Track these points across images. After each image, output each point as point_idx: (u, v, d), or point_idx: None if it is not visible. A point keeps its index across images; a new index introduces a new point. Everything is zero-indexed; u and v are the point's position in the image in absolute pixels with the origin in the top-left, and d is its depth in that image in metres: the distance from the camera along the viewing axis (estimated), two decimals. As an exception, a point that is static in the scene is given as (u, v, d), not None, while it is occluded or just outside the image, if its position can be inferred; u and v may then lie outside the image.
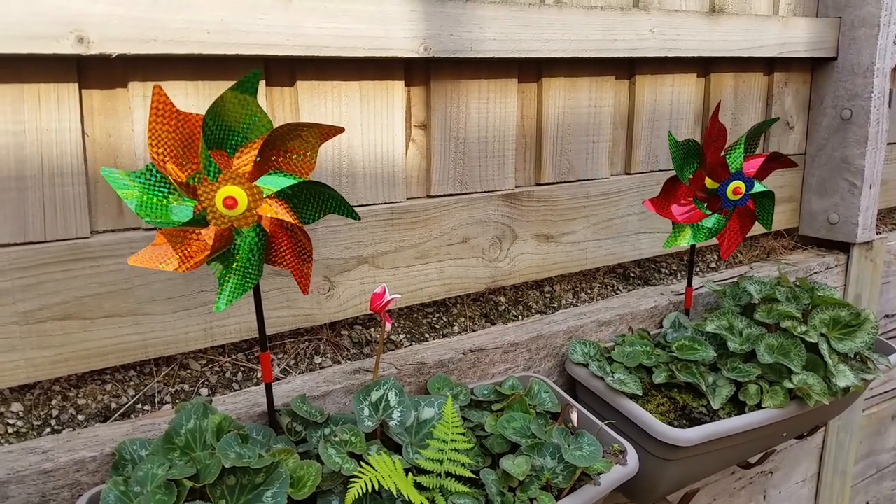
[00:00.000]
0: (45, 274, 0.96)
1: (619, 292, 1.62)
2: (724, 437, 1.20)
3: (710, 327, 1.35)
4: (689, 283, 1.45)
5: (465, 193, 1.33)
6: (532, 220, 1.42)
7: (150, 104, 0.80)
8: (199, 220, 0.84)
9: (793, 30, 1.70)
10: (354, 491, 0.83)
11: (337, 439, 0.94)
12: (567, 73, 1.42)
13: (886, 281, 2.03)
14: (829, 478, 2.04)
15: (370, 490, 0.84)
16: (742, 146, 1.28)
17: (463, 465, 0.95)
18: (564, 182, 1.46)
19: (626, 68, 1.53)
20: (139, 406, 1.06)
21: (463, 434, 0.97)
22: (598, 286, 1.61)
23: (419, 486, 0.92)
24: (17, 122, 0.93)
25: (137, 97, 1.00)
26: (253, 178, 0.85)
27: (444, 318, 1.38)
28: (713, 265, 1.82)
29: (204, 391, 1.12)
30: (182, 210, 0.84)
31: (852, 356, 1.37)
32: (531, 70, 1.39)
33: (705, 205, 1.31)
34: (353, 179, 1.20)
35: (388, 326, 1.06)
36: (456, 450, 0.95)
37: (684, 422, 1.22)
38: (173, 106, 0.81)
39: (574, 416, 1.12)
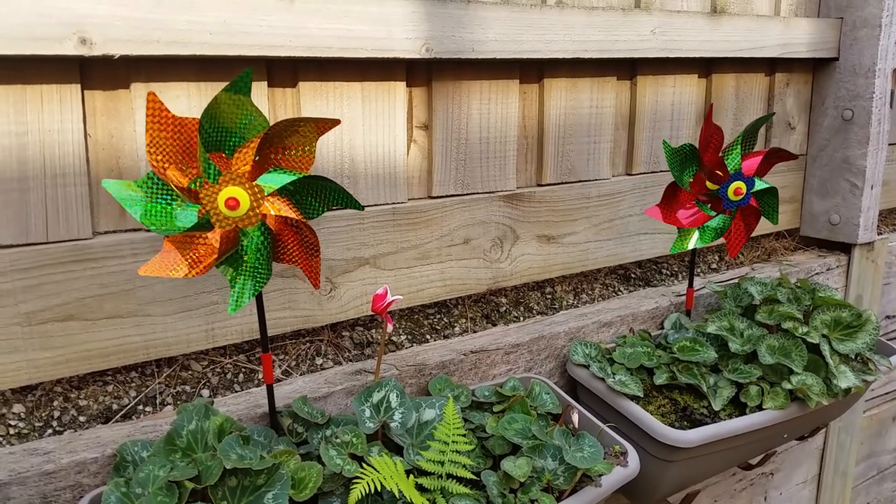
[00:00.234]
0: (46, 275, 0.96)
1: (620, 293, 1.62)
2: (725, 438, 1.20)
3: (711, 328, 1.35)
4: (691, 284, 1.45)
5: (467, 194, 1.33)
6: (533, 220, 1.42)
7: (146, 111, 0.80)
8: (204, 224, 0.84)
9: (794, 30, 1.70)
10: (356, 492, 0.83)
11: (338, 440, 0.94)
12: (568, 74, 1.42)
13: (888, 282, 2.03)
14: (829, 479, 2.04)
15: (372, 491, 0.84)
16: (739, 146, 1.28)
17: (464, 466, 0.95)
18: (566, 183, 1.46)
19: (628, 69, 1.53)
20: (140, 407, 1.06)
21: (464, 435, 0.97)
22: (600, 287, 1.61)
23: (420, 488, 0.92)
24: (19, 123, 0.93)
25: (140, 98, 1.00)
26: (253, 177, 0.85)
27: (445, 320, 1.38)
28: (714, 266, 1.82)
29: (205, 392, 1.12)
30: (186, 215, 0.84)
31: (853, 357, 1.37)
32: (533, 71, 1.39)
33: (709, 206, 1.31)
34: (354, 180, 1.20)
35: (389, 327, 1.06)
36: (457, 451, 0.95)
37: (685, 423, 1.22)
38: (168, 111, 0.81)
39: (575, 418, 1.12)
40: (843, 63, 1.80)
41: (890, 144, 2.05)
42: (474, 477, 0.97)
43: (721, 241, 1.34)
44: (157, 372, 1.10)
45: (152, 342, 1.05)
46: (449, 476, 0.94)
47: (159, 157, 0.82)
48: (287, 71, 1.12)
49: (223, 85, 1.05)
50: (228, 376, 1.15)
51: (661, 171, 1.61)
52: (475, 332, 1.38)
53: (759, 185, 1.30)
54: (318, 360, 1.23)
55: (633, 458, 1.09)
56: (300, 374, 1.19)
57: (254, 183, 0.84)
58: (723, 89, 1.70)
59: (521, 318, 1.45)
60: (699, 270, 1.78)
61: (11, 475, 0.87)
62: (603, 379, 1.25)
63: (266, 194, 0.85)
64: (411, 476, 0.92)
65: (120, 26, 0.92)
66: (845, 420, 1.99)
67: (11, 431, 0.98)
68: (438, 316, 1.38)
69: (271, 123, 0.84)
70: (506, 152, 1.37)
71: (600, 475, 1.03)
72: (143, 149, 1.01)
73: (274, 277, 1.13)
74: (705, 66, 1.66)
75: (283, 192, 0.88)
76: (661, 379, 1.26)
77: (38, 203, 0.95)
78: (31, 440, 0.98)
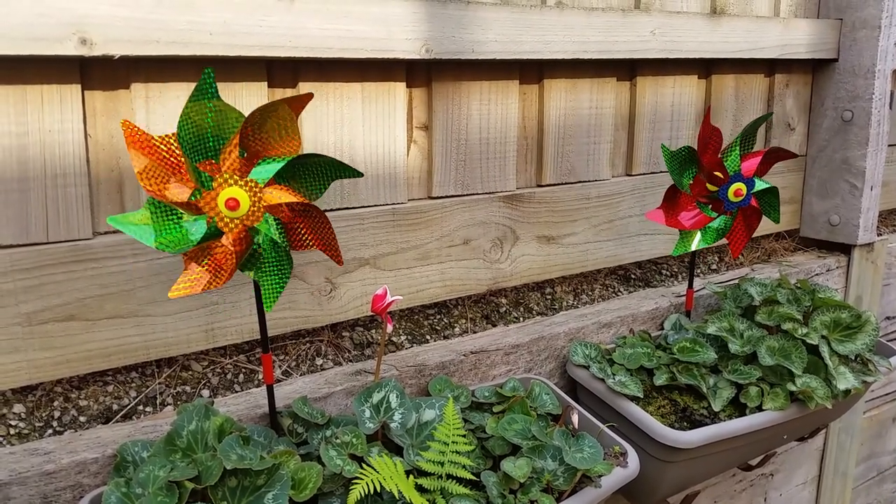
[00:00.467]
0: (47, 275, 0.96)
1: (619, 294, 1.62)
2: (725, 439, 1.20)
3: (710, 329, 1.35)
4: (690, 285, 1.45)
5: (467, 195, 1.33)
6: (533, 221, 1.42)
7: (125, 139, 0.80)
8: (215, 233, 0.85)
9: (794, 31, 1.70)
10: (356, 493, 0.83)
11: (338, 441, 0.94)
12: (568, 75, 1.43)
13: (887, 283, 2.03)
14: (829, 480, 2.04)
15: (371, 492, 0.84)
16: (738, 147, 1.28)
17: (464, 466, 0.95)
18: (565, 183, 1.47)
19: (628, 70, 1.54)
20: (141, 407, 1.06)
21: (464, 436, 0.97)
22: (599, 288, 1.61)
23: (420, 488, 0.92)
24: (19, 124, 0.93)
25: (140, 98, 1.00)
26: (244, 173, 0.85)
27: (445, 320, 1.38)
28: (714, 267, 1.82)
29: (205, 393, 1.12)
30: (197, 228, 0.84)
31: (853, 358, 1.37)
32: (532, 71, 1.39)
33: (709, 207, 1.31)
34: (354, 181, 1.20)
35: (389, 328, 1.06)
36: (457, 452, 0.95)
37: (685, 424, 1.23)
38: (145, 134, 0.81)
39: (575, 418, 1.12)
40: (843, 64, 1.80)
41: (889, 145, 2.05)
42: (474, 477, 0.97)
43: (721, 241, 1.34)
44: (157, 372, 1.10)
45: (152, 342, 1.05)
46: (449, 476, 0.94)
47: (152, 181, 0.82)
48: (287, 71, 1.12)
49: (223, 85, 1.05)
50: (228, 376, 1.15)
51: (661, 172, 1.62)
52: (475, 332, 1.38)
53: (760, 185, 1.31)
54: (319, 361, 1.23)
55: (633, 458, 1.09)
56: (300, 375, 1.19)
57: (247, 179, 0.84)
58: (722, 90, 1.70)
59: (521, 319, 1.46)
60: (699, 271, 1.78)
61: (12, 475, 0.87)
62: (603, 380, 1.25)
63: (262, 186, 0.85)
64: (411, 476, 0.92)
65: (120, 26, 0.92)
66: (845, 421, 1.99)
67: (12, 431, 0.98)
68: (438, 316, 1.38)
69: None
70: (506, 153, 1.37)
71: (600, 476, 1.03)
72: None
73: (274, 278, 1.13)
74: (705, 67, 1.66)
75: (279, 180, 0.88)
76: (660, 380, 1.26)
77: (39, 203, 0.95)
78: (32, 440, 0.98)
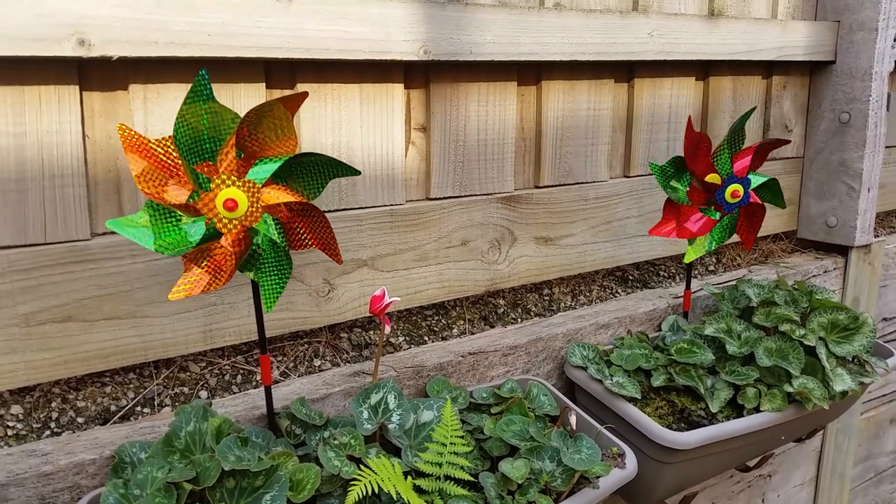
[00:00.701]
0: (45, 276, 0.96)
1: (617, 295, 1.62)
2: (723, 440, 1.20)
3: (708, 330, 1.35)
4: (688, 286, 1.46)
5: (465, 196, 1.33)
6: (531, 222, 1.42)
7: (122, 143, 0.80)
8: (214, 234, 0.85)
9: (791, 33, 1.70)
10: (354, 494, 0.83)
11: (336, 442, 0.94)
12: (566, 77, 1.43)
13: (885, 284, 2.04)
14: (827, 481, 2.04)
15: (369, 493, 0.84)
16: (726, 148, 1.28)
17: (462, 468, 0.95)
18: (563, 185, 1.47)
19: (625, 71, 1.54)
20: (139, 408, 1.06)
21: (462, 437, 0.97)
22: (597, 289, 1.61)
23: (418, 490, 0.92)
24: (17, 124, 0.93)
25: (138, 99, 1.00)
26: (242, 174, 0.85)
27: (443, 321, 1.38)
28: (711, 268, 1.82)
29: (203, 394, 1.12)
30: (196, 229, 0.84)
31: (850, 359, 1.37)
32: (530, 73, 1.39)
33: (712, 209, 1.31)
34: (352, 182, 1.20)
35: (387, 329, 1.06)
36: (455, 453, 0.95)
37: (683, 425, 1.23)
38: (141, 136, 0.81)
39: (573, 419, 1.12)
40: (840, 66, 1.81)
41: (886, 147, 2.06)
42: (472, 478, 0.97)
43: (759, 224, 1.34)
44: (155, 373, 1.10)
45: (150, 343, 1.05)
46: (447, 478, 0.94)
47: (150, 184, 0.82)
48: (285, 73, 1.12)
49: (221, 86, 1.06)
50: (227, 378, 1.15)
51: (659, 174, 1.62)
52: (473, 333, 1.38)
53: (757, 180, 1.31)
54: (317, 362, 1.23)
55: (631, 459, 1.09)
56: (298, 376, 1.19)
57: (245, 179, 0.84)
58: (720, 92, 1.70)
59: (519, 320, 1.46)
60: (696, 272, 1.78)
61: (9, 476, 0.87)
62: (600, 381, 1.25)
63: (260, 186, 0.85)
64: (409, 478, 0.92)
65: (119, 27, 0.92)
66: (843, 422, 1.99)
67: (9, 433, 0.98)
68: (436, 317, 1.38)
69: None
70: (504, 154, 1.37)
71: (598, 477, 1.03)
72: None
73: (272, 279, 1.13)
74: (703, 69, 1.67)
75: (277, 179, 0.88)
76: (658, 381, 1.26)
77: (37, 204, 0.95)
78: (29, 441, 0.97)
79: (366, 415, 1.00)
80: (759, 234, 1.89)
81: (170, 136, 0.82)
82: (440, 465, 0.95)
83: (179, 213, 0.84)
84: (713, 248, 1.32)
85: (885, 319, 2.10)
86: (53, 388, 1.03)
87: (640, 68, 1.54)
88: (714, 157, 1.29)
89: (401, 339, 1.32)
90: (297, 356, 1.22)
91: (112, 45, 0.92)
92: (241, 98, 1.08)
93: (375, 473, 0.86)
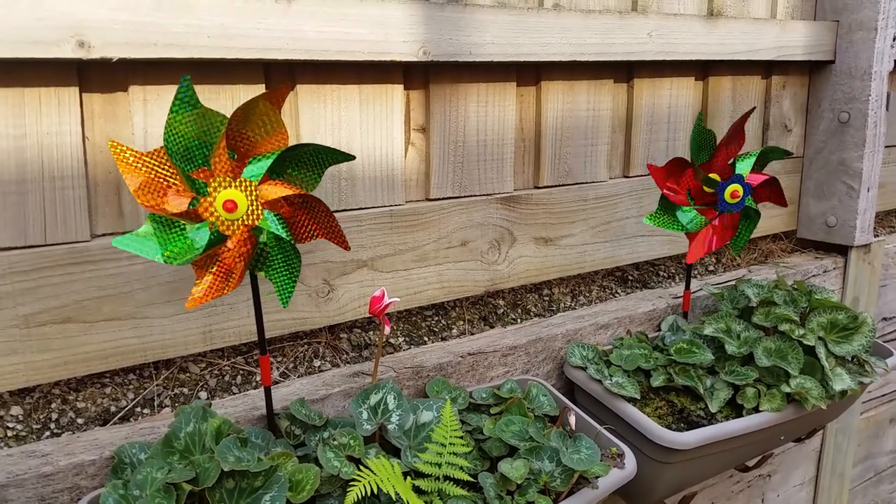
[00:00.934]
0: (44, 277, 0.96)
1: (617, 295, 1.63)
2: (722, 440, 1.20)
3: (707, 330, 1.35)
4: (687, 287, 1.46)
5: (464, 196, 1.34)
6: (530, 223, 1.42)
7: (115, 160, 0.81)
8: (220, 237, 0.85)
9: (790, 33, 1.70)
10: (353, 494, 0.83)
11: (335, 443, 0.94)
12: (565, 77, 1.43)
13: (884, 284, 2.04)
14: (827, 481, 2.04)
15: (369, 494, 0.84)
16: (754, 158, 1.30)
17: (461, 468, 0.95)
18: (563, 185, 1.47)
19: (625, 72, 1.54)
20: (138, 409, 1.07)
21: (461, 437, 0.98)
22: (597, 289, 1.61)
23: (418, 490, 0.93)
24: (17, 126, 0.93)
25: (137, 101, 1.01)
26: (237, 174, 0.85)
27: (442, 322, 1.38)
28: (711, 268, 1.82)
29: (203, 394, 1.12)
30: (201, 235, 0.85)
31: (850, 359, 1.37)
32: (530, 73, 1.39)
33: (693, 199, 1.31)
34: (352, 182, 1.20)
35: (386, 330, 1.06)
36: (454, 453, 0.96)
37: (682, 425, 1.23)
38: (133, 151, 0.82)
39: (572, 420, 1.12)
40: (840, 66, 1.81)
41: (886, 147, 2.06)
42: (471, 479, 0.97)
43: (716, 245, 1.33)
44: (154, 374, 1.10)
45: (150, 344, 1.05)
46: (446, 478, 0.94)
47: (150, 197, 0.82)
48: (284, 74, 1.12)
49: (220, 87, 1.06)
50: (226, 378, 1.15)
51: (658, 174, 1.62)
52: (473, 334, 1.38)
53: (750, 202, 1.31)
54: (316, 363, 1.23)
55: (630, 459, 1.09)
56: (298, 377, 1.19)
57: (241, 179, 0.84)
58: (719, 92, 1.71)
59: (519, 320, 1.46)
60: (696, 272, 1.78)
61: (9, 477, 0.87)
62: (600, 381, 1.26)
63: (257, 184, 0.85)
64: (408, 478, 0.92)
65: (118, 29, 0.92)
66: (842, 422, 1.99)
67: (9, 433, 0.98)
68: (436, 318, 1.38)
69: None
70: (503, 155, 1.37)
71: (597, 477, 1.03)
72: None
73: (272, 280, 1.14)
74: (702, 69, 1.67)
75: (273, 175, 0.88)
76: (657, 381, 1.26)
77: (37, 206, 0.96)
78: (29, 442, 0.98)
79: (365, 415, 1.00)
80: (759, 235, 1.90)
81: (161, 148, 0.83)
82: (439, 465, 0.95)
83: (182, 221, 0.84)
84: (663, 227, 1.32)
85: (884, 319, 2.10)
86: (53, 389, 1.03)
87: (639, 68, 1.54)
88: (738, 157, 1.31)
89: (400, 339, 1.32)
90: (297, 357, 1.22)
91: (112, 47, 0.92)
92: (241, 99, 1.08)
93: (375, 474, 0.86)
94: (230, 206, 0.84)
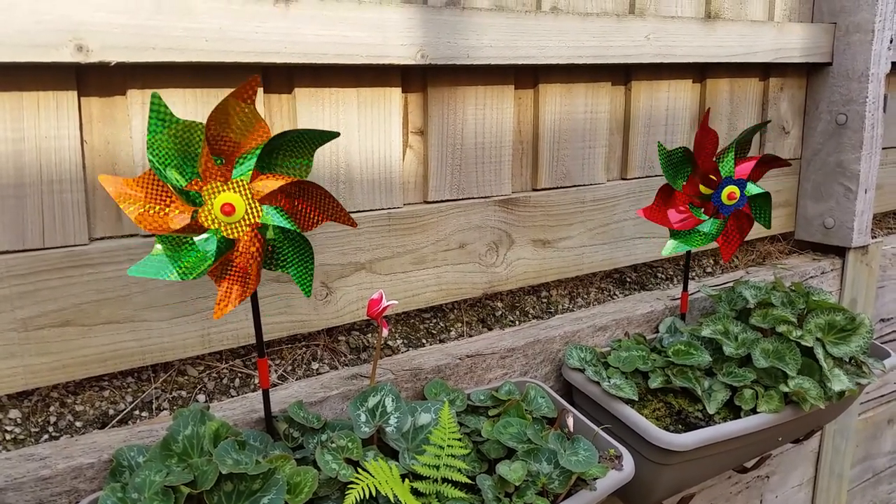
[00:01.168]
0: (43, 281, 0.96)
1: (615, 297, 1.63)
2: (720, 441, 1.21)
3: (705, 332, 1.35)
4: (685, 288, 1.46)
5: (462, 199, 1.34)
6: (529, 225, 1.42)
7: (110, 194, 0.82)
8: (228, 243, 0.86)
9: (788, 35, 1.71)
10: (351, 497, 0.83)
11: (334, 445, 0.94)
12: (563, 80, 1.43)
13: (882, 285, 2.04)
14: (825, 482, 2.05)
15: (367, 496, 0.84)
16: (733, 151, 1.29)
17: (459, 470, 0.95)
18: (561, 187, 1.47)
19: (622, 74, 1.54)
20: (137, 412, 1.07)
21: (459, 439, 0.98)
22: (595, 291, 1.61)
23: (416, 492, 0.93)
24: (15, 130, 0.93)
25: (136, 105, 1.01)
26: (228, 177, 0.85)
27: (441, 324, 1.38)
28: (709, 270, 1.83)
29: (201, 397, 1.12)
30: (209, 243, 0.86)
31: (847, 360, 1.37)
32: (527, 76, 1.39)
33: (702, 210, 1.31)
34: (350, 185, 1.21)
35: (385, 332, 1.06)
36: (452, 455, 0.96)
37: (680, 426, 1.23)
38: (124, 180, 0.83)
39: (570, 422, 1.13)
40: (837, 68, 1.81)
41: (883, 148, 2.06)
42: (469, 481, 0.98)
43: (715, 244, 1.35)
44: (153, 377, 1.10)
45: (148, 347, 1.05)
46: (444, 480, 0.95)
47: (152, 220, 0.83)
48: (283, 77, 1.12)
49: (219, 91, 1.06)
50: (224, 381, 1.15)
51: (656, 176, 1.62)
52: (471, 336, 1.38)
53: (753, 189, 1.31)
54: (314, 365, 1.23)
55: (628, 461, 1.09)
56: (296, 379, 1.19)
57: (232, 180, 0.85)
58: (717, 94, 1.71)
59: (517, 323, 1.46)
60: (694, 274, 1.79)
61: (7, 481, 0.87)
62: (598, 383, 1.26)
63: (249, 182, 0.85)
64: (407, 480, 0.92)
65: (117, 33, 0.92)
66: (840, 423, 2.00)
67: (8, 437, 0.98)
68: (434, 320, 1.38)
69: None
70: (501, 157, 1.37)
71: (595, 479, 1.03)
72: (140, 155, 1.02)
73: (270, 283, 1.14)
74: (700, 72, 1.67)
75: (263, 170, 0.88)
76: (655, 383, 1.26)
77: (35, 209, 0.96)
78: (28, 445, 0.98)
79: (363, 418, 1.01)
80: (757, 236, 1.90)
81: (149, 170, 0.83)
82: (438, 467, 0.95)
83: (189, 235, 0.85)
84: (685, 250, 1.32)
85: (882, 320, 2.10)
86: (52, 393, 1.03)
87: (637, 71, 1.55)
88: (719, 157, 1.29)
89: (398, 341, 1.32)
90: (295, 359, 1.22)
91: (110, 50, 0.92)
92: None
93: (373, 476, 0.86)
94: (228, 209, 0.84)
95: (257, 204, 0.85)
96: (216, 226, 0.84)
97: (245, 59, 1.02)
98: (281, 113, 1.13)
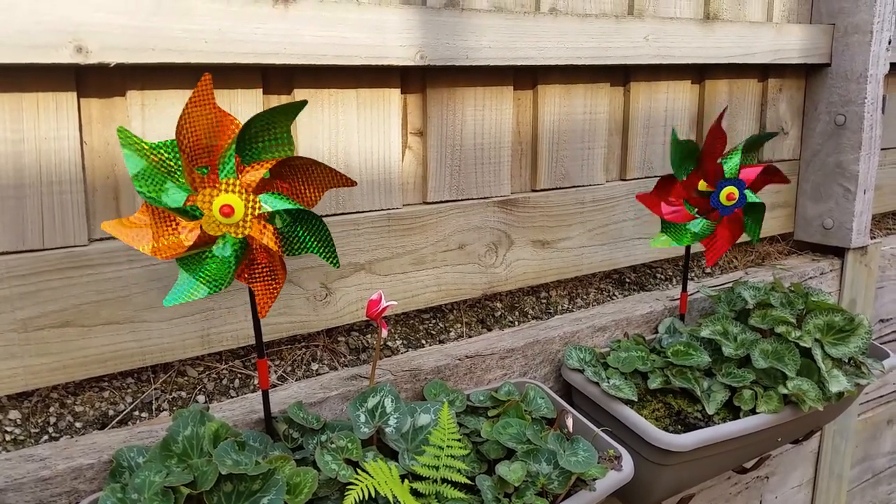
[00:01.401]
0: (43, 281, 0.96)
1: (614, 298, 1.63)
2: (719, 442, 1.21)
3: (704, 332, 1.35)
4: (685, 289, 1.46)
5: (462, 200, 1.34)
6: (528, 226, 1.43)
7: (117, 236, 0.83)
8: (242, 243, 0.86)
9: (787, 36, 1.71)
10: (351, 498, 0.83)
11: (333, 446, 0.94)
12: (562, 81, 1.43)
13: (881, 286, 2.04)
14: (824, 482, 2.05)
15: (366, 497, 0.84)
16: (740, 154, 1.29)
17: (459, 471, 0.95)
18: (560, 188, 1.47)
19: (621, 75, 1.54)
20: (137, 413, 1.07)
21: (459, 440, 0.98)
22: (594, 292, 1.62)
23: (415, 493, 0.93)
24: (15, 131, 0.93)
25: (135, 106, 1.01)
26: (214, 181, 0.85)
27: (440, 324, 1.39)
28: (708, 271, 1.83)
29: (201, 398, 1.12)
30: (224, 248, 0.86)
31: (846, 361, 1.37)
32: (527, 77, 1.40)
33: (696, 209, 1.32)
34: (349, 187, 1.20)
35: (384, 333, 1.06)
36: (452, 456, 0.96)
37: (679, 427, 1.23)
38: (126, 220, 0.84)
39: (569, 422, 1.13)
40: (836, 69, 1.81)
41: (882, 149, 2.07)
42: (469, 481, 0.98)
43: (730, 242, 1.34)
44: (153, 378, 1.10)
45: (148, 348, 1.05)
46: (444, 481, 0.95)
47: (167, 250, 0.84)
48: (282, 78, 1.13)
49: (218, 92, 1.06)
50: (224, 382, 1.15)
51: (655, 177, 1.62)
52: (470, 336, 1.38)
53: (751, 197, 1.32)
54: (314, 366, 1.23)
55: (628, 462, 1.09)
56: (296, 380, 1.19)
57: (219, 181, 0.84)
58: (716, 95, 1.71)
59: (516, 323, 1.46)
60: (693, 275, 1.79)
61: (7, 481, 0.87)
62: (597, 383, 1.26)
63: (235, 178, 0.85)
64: (406, 481, 0.92)
65: (116, 34, 0.92)
66: (840, 423, 2.00)
67: (7, 437, 0.98)
68: (434, 321, 1.38)
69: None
70: (500, 158, 1.38)
71: (595, 479, 1.03)
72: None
73: (269, 283, 1.14)
74: (698, 72, 1.67)
75: (246, 162, 0.87)
76: (655, 383, 1.26)
77: (35, 210, 0.96)
78: (28, 446, 0.98)
79: (363, 418, 1.01)
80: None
81: (144, 203, 0.84)
82: (437, 468, 0.95)
83: (204, 249, 0.85)
84: (675, 245, 1.33)
85: (881, 321, 2.10)
86: (52, 393, 1.03)
87: (635, 72, 1.55)
88: (724, 157, 1.30)
89: (398, 342, 1.32)
90: (295, 360, 1.22)
91: (110, 51, 0.92)
92: (238, 104, 1.08)
93: (372, 477, 0.86)
94: (227, 210, 0.84)
95: (253, 196, 0.85)
96: (223, 230, 0.85)
97: (244, 60, 1.02)
98: (280, 114, 1.13)
